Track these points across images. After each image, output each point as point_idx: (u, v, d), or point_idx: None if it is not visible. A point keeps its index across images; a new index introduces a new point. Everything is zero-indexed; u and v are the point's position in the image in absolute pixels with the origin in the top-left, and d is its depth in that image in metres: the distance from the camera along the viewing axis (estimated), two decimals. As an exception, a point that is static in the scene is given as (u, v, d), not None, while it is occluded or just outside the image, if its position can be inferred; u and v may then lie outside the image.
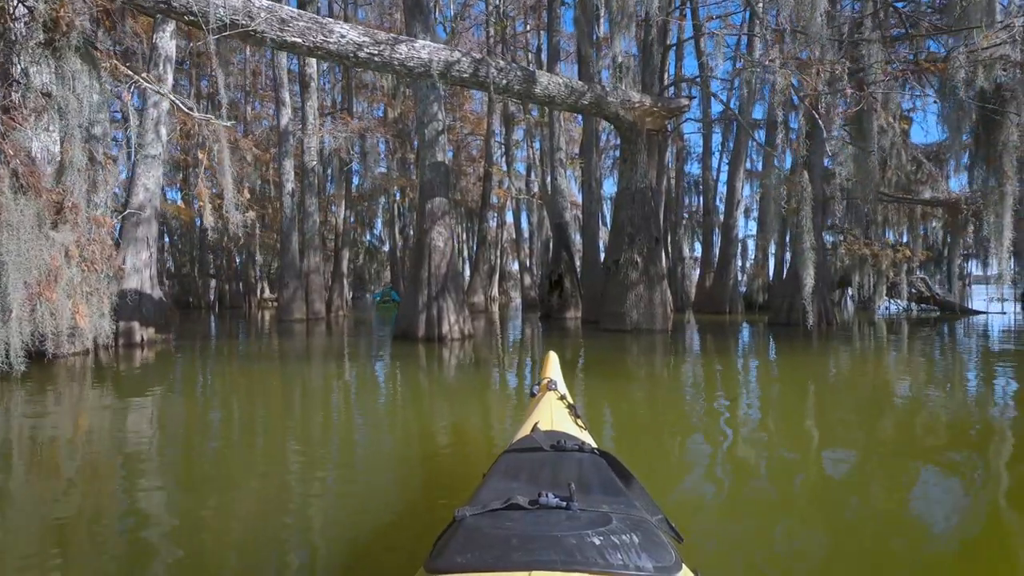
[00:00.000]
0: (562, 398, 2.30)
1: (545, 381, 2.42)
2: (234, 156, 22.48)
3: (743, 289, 21.61)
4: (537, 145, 28.42)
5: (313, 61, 18.43)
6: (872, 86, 9.05)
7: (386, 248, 39.59)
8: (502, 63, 9.46)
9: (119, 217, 9.14)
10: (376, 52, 8.09)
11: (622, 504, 1.26)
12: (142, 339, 10.00)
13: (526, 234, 33.51)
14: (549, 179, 20.50)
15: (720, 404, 5.20)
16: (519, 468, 1.53)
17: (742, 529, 2.51)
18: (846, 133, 11.16)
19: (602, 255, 17.28)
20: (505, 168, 30.71)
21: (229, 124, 8.17)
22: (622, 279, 11.75)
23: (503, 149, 30.55)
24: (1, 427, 4.50)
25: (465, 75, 8.83)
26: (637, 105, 11.40)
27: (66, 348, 8.13)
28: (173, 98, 6.40)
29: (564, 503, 1.19)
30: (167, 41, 10.46)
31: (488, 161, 24.82)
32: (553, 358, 2.65)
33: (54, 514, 2.65)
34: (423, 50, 8.54)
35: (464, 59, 8.81)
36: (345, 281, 34.74)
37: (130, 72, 6.91)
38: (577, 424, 2.11)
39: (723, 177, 25.86)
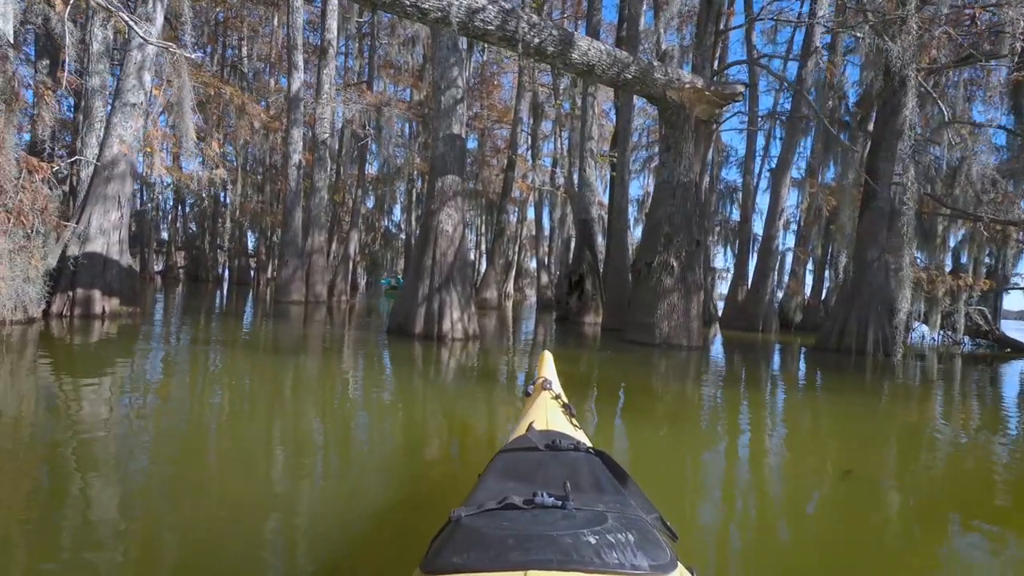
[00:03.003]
0: (557, 398, 2.28)
1: (540, 381, 2.39)
2: (241, 121, 21.43)
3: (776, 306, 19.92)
4: (566, 138, 26.91)
5: (333, 26, 17.16)
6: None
7: (403, 236, 38.51)
8: (536, 18, 8.00)
9: (71, 165, 7.86)
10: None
11: (618, 503, 1.26)
12: (103, 310, 8.77)
13: (547, 231, 32.01)
14: (577, 172, 19.02)
15: (806, 476, 3.74)
16: (514, 468, 1.53)
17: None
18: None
19: (629, 257, 15.78)
20: (530, 160, 29.27)
21: (192, 56, 6.87)
22: (653, 285, 10.24)
23: (529, 141, 29.12)
24: None
25: (491, 27, 7.40)
26: (687, 85, 9.86)
27: (6, 315, 6.89)
28: (125, 18, 5.11)
29: (560, 502, 1.17)
30: (159, -25, 9.20)
31: (513, 149, 23.36)
32: (548, 357, 2.61)
33: None
34: (443, -8, 7.13)
35: (491, 7, 7.37)
36: (358, 266, 33.88)
37: None
38: (572, 424, 2.11)
39: (762, 184, 24.24)
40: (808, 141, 21.09)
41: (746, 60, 15.05)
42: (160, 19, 9.14)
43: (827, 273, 22.85)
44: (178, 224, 34.48)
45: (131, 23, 5.21)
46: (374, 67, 23.57)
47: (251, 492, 2.69)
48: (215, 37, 28.31)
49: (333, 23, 16.97)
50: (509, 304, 28.45)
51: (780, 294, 20.22)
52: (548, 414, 2.11)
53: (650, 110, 32.01)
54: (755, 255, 21.81)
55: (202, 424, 3.84)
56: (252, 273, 32.26)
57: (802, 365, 10.00)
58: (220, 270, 32.89)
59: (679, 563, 1.06)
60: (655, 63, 9.68)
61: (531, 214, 36.99)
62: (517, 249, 37.35)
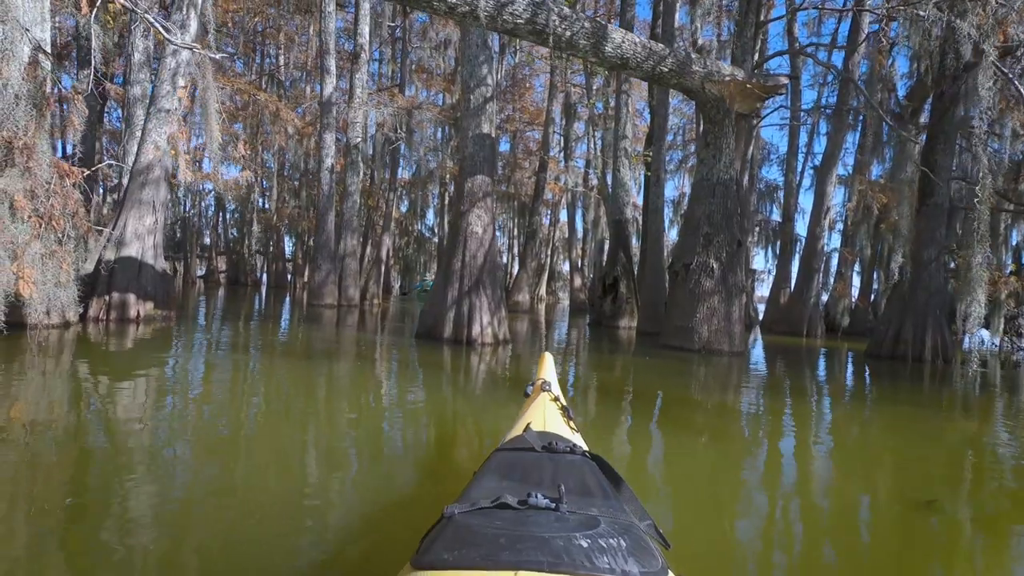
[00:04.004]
0: (555, 399, 2.26)
1: (539, 382, 2.38)
2: (275, 126, 21.77)
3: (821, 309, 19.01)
4: (599, 139, 26.48)
5: (366, 30, 17.22)
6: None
7: (435, 239, 38.65)
8: (567, 10, 7.70)
9: (122, 173, 7.96)
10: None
11: (611, 508, 1.26)
12: (138, 314, 8.86)
13: (580, 233, 31.56)
14: (611, 171, 18.60)
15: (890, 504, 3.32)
16: (510, 467, 1.52)
17: None
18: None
19: (665, 259, 15.27)
20: (563, 162, 28.93)
21: (218, 55, 6.82)
22: (692, 287, 9.78)
23: (562, 143, 28.79)
24: None
25: (520, 20, 7.15)
26: (727, 78, 9.40)
27: (41, 319, 6.97)
28: (150, 19, 5.08)
29: (553, 504, 1.17)
30: (193, -18, 9.28)
31: (545, 150, 23.06)
32: (547, 358, 2.61)
33: None
34: (471, -12, 6.91)
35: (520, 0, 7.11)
36: (392, 270, 34.14)
37: None
38: (569, 426, 2.10)
39: (805, 182, 23.25)
40: (855, 136, 20.18)
41: (788, 51, 14.35)
42: (194, 25, 9.21)
43: (875, 275, 21.76)
44: (219, 230, 35.46)
45: (155, 23, 5.17)
46: (406, 72, 23.65)
47: (260, 488, 2.73)
48: (253, 47, 29.02)
49: (365, 28, 17.04)
50: (541, 307, 28.12)
51: (825, 297, 19.30)
52: (546, 416, 2.10)
53: (685, 109, 31.28)
54: (798, 256, 20.98)
55: (220, 424, 3.80)
56: (289, 277, 32.86)
57: (854, 373, 9.37)
58: (258, 274, 33.62)
59: (670, 571, 1.05)
60: (693, 55, 9.25)
61: (564, 216, 36.62)
62: (550, 252, 37.02)
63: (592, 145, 28.50)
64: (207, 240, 35.92)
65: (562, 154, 28.91)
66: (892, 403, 6.57)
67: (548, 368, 2.54)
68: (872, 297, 21.09)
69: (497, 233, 11.70)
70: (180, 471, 2.89)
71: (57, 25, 15.07)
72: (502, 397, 5.18)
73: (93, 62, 5.51)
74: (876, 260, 21.05)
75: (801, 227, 20.41)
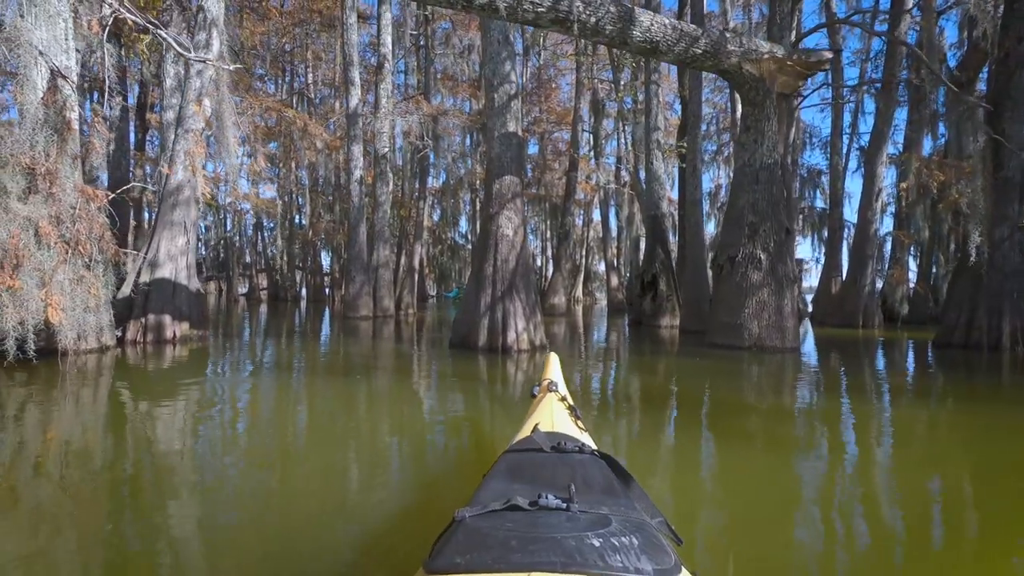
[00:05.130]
0: (563, 399, 2.25)
1: (546, 382, 2.38)
2: (303, 141, 22.01)
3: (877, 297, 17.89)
4: (628, 135, 25.85)
5: (388, 40, 17.21)
6: None
7: (468, 246, 38.64)
8: (591, -5, 7.30)
9: (152, 195, 7.97)
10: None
11: (622, 506, 1.25)
12: (174, 335, 8.88)
13: (614, 232, 30.90)
14: (643, 166, 18.03)
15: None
16: (519, 469, 1.52)
17: None
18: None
19: (706, 252, 14.61)
20: (593, 161, 28.41)
21: (231, 67, 6.69)
22: (739, 281, 9.20)
23: (591, 140, 28.27)
24: None
25: (541, 8, 6.79)
26: (766, 56, 8.81)
27: (79, 344, 6.98)
28: (163, 35, 4.97)
29: (564, 504, 1.17)
30: (214, 2, 9.29)
31: (574, 148, 22.60)
32: (553, 359, 2.61)
33: None
34: (488, -20, 6.60)
35: (541, -13, 6.76)
36: (426, 279, 34.25)
37: (134, 16, 5.51)
38: (577, 426, 2.09)
39: (850, 165, 22.08)
40: (904, 113, 18.99)
41: (827, 23, 13.51)
42: (216, 45, 9.22)
43: (933, 258, 20.43)
44: (259, 248, 36.34)
45: (168, 38, 5.06)
46: (430, 79, 23.61)
47: (281, 492, 2.78)
48: (282, 68, 29.62)
49: (388, 38, 17.02)
50: (578, 309, 27.60)
51: (880, 284, 18.18)
52: (554, 416, 2.08)
53: (716, 99, 30.31)
54: (846, 243, 19.89)
55: (247, 441, 3.64)
56: (327, 290, 33.31)
57: (925, 366, 8.60)
58: (298, 289, 34.21)
59: (683, 567, 1.05)
60: (727, 34, 8.70)
61: (596, 216, 36.06)
62: (584, 252, 36.48)
63: (623, 140, 27.89)
64: (248, 259, 36.87)
65: (592, 152, 28.40)
66: (973, 399, 5.89)
67: (554, 368, 2.51)
68: (932, 282, 19.81)
69: (529, 236, 11.36)
70: (210, 485, 2.94)
71: (97, 59, 15.57)
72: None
73: (107, 82, 5.45)
74: (935, 242, 19.78)
75: (847, 212, 19.40)
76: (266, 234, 35.55)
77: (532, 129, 29.27)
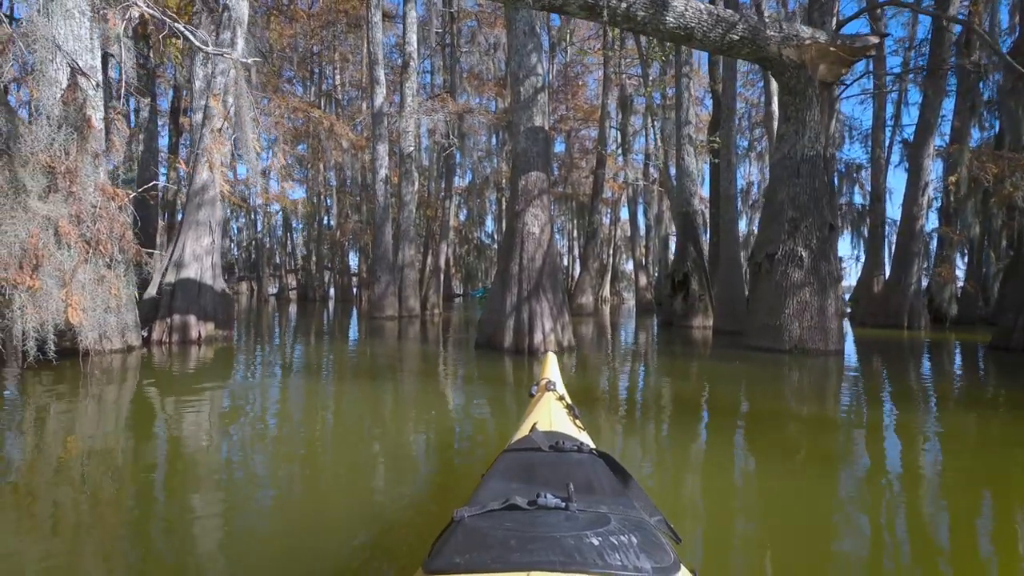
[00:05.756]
0: (560, 398, 2.25)
1: (544, 381, 2.36)
2: (329, 141, 22.08)
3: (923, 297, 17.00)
4: (657, 130, 25.26)
5: (413, 38, 17.08)
6: None
7: (495, 246, 38.47)
8: (621, -20, 6.95)
9: (177, 196, 7.94)
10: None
11: (621, 505, 1.26)
12: (199, 335, 8.85)
13: (642, 230, 30.30)
14: (673, 161, 17.52)
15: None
16: (518, 468, 1.52)
17: None
18: None
19: (740, 250, 14.06)
20: (621, 158, 27.90)
21: (249, 61, 6.56)
22: (779, 280, 8.72)
23: (619, 138, 27.76)
24: None
25: (569, -5, 6.49)
26: (808, 42, 8.32)
27: (103, 344, 6.96)
28: (180, 28, 4.85)
29: (563, 504, 1.18)
30: (238, 1, 9.24)
31: (602, 145, 22.16)
32: (551, 358, 2.60)
33: None
34: (514, -33, 6.33)
35: (568, -27, 6.46)
36: (452, 278, 34.22)
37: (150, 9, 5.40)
38: (576, 425, 2.09)
39: (892, 159, 21.13)
40: (951, 103, 18.02)
41: (868, 7, 12.81)
42: (240, 44, 9.16)
43: (983, 256, 19.37)
44: (288, 249, 36.85)
45: (185, 32, 4.93)
46: (456, 78, 23.45)
47: (275, 496, 2.76)
48: (310, 70, 29.91)
49: (413, 36, 16.90)
50: (606, 309, 27.14)
51: (925, 283, 17.29)
52: (552, 415, 2.08)
53: (747, 93, 29.40)
54: (887, 240, 19.00)
55: (250, 437, 3.51)
56: (355, 290, 33.54)
57: (984, 371, 7.99)
58: (326, 289, 34.51)
59: (682, 565, 1.05)
60: (766, 19, 8.23)
61: (623, 214, 35.48)
62: (612, 251, 35.95)
63: (652, 136, 27.33)
64: (278, 259, 37.43)
65: (620, 149, 27.88)
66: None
67: (552, 368, 2.51)
68: (982, 281, 18.79)
69: (556, 235, 11.06)
70: (225, 484, 2.95)
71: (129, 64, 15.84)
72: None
73: (123, 76, 5.37)
74: (985, 239, 18.75)
75: (889, 208, 18.48)
76: (295, 235, 36.02)
77: (558, 127, 28.91)
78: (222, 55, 5.67)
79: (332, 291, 34.68)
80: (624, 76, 24.77)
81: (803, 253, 8.53)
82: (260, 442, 3.75)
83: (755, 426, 4.52)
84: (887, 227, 18.92)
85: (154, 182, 8.08)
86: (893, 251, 16.39)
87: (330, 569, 2.03)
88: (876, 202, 18.05)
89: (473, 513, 1.16)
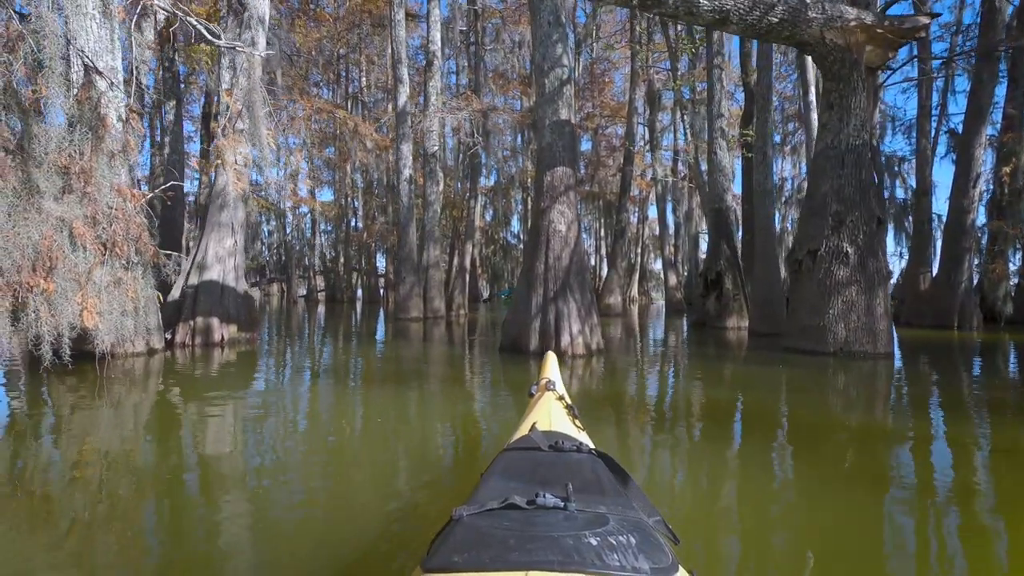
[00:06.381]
0: (560, 398, 2.26)
1: (544, 381, 2.37)
2: (354, 142, 22.08)
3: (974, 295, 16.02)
4: (687, 125, 24.58)
5: (437, 37, 16.92)
6: None
7: (521, 246, 38.19)
8: (651, -39, 6.58)
9: (197, 197, 7.86)
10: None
11: (619, 505, 1.27)
12: (222, 337, 8.77)
13: (671, 228, 29.58)
14: (704, 157, 16.94)
15: None
16: (517, 468, 1.52)
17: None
18: None
19: (775, 247, 13.45)
20: (649, 155, 27.30)
21: (262, 54, 6.39)
22: (821, 278, 8.19)
23: (647, 135, 27.16)
24: None
25: (596, -22, 6.15)
26: (853, 23, 7.79)
27: (124, 347, 6.89)
28: (192, 22, 4.71)
29: (562, 503, 1.18)
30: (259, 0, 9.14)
31: (629, 141, 21.66)
32: (551, 358, 2.61)
33: None
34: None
35: (595, -45, 6.11)
36: (478, 279, 34.05)
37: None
38: (575, 425, 2.10)
39: (939, 150, 20.06)
40: (1003, 90, 16.97)
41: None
42: (262, 42, 9.07)
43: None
44: (316, 251, 37.25)
45: (198, 25, 4.77)
46: (480, 77, 23.23)
47: (278, 497, 2.73)
48: (337, 73, 30.11)
49: (437, 35, 16.73)
50: (634, 309, 26.59)
51: (976, 280, 16.31)
52: (551, 415, 2.08)
53: (778, 86, 28.36)
54: (936, 235, 18.05)
55: (257, 437, 3.15)
56: (382, 291, 33.66)
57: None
58: (353, 291, 34.75)
59: (680, 566, 1.04)
60: (806, 0, 7.72)
61: (651, 212, 34.79)
62: (640, 250, 35.30)
63: (683, 131, 26.65)
64: (307, 261, 37.87)
65: (648, 146, 27.28)
66: None
67: (552, 367, 2.51)
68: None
69: (583, 234, 10.72)
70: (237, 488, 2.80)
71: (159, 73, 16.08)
72: (608, 430, 4.15)
73: (134, 75, 5.25)
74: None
75: (934, 201, 17.53)
76: (323, 237, 36.36)
77: (585, 125, 28.46)
78: (234, 48, 5.53)
79: (360, 292, 34.90)
80: (652, 71, 24.20)
81: (849, 249, 7.99)
82: (260, 442, 3.65)
83: (799, 437, 4.10)
84: (935, 222, 17.97)
85: (172, 183, 7.98)
86: (940, 247, 15.52)
87: (330, 568, 2.01)
88: (922, 195, 17.15)
89: (472, 512, 1.16)
